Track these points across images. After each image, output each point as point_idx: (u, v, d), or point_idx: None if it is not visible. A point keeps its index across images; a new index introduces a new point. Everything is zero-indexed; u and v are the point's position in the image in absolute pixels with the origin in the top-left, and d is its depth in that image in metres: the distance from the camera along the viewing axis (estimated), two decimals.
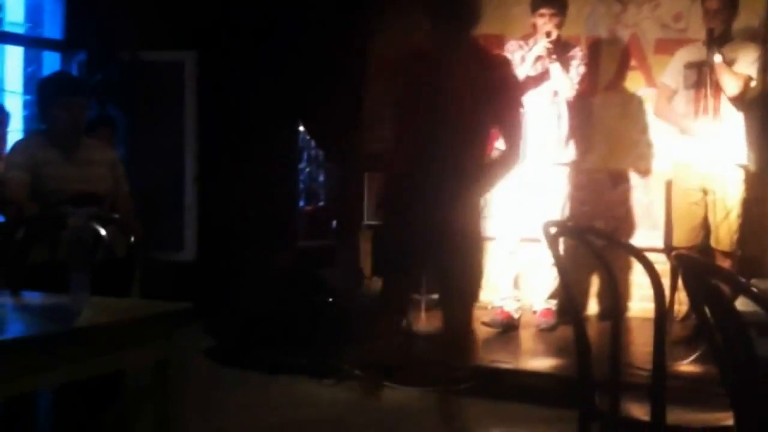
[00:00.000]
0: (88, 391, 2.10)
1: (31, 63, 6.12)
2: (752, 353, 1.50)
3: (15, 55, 5.96)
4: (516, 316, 4.50)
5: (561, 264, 2.37)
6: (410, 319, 4.22)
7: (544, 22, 4.28)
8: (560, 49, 4.31)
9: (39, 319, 1.76)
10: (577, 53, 4.39)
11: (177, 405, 1.88)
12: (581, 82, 4.37)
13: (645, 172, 4.95)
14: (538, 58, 4.29)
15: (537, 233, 4.10)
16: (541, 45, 4.27)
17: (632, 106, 4.95)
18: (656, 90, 4.56)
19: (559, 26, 4.31)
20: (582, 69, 4.36)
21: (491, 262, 4.93)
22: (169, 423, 1.86)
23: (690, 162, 4.18)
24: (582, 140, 4.70)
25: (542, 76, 4.33)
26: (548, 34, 4.25)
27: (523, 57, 4.32)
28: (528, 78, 4.29)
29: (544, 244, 4.04)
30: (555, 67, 4.29)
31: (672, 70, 4.28)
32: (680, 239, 4.21)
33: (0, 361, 1.51)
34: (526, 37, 4.46)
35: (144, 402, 2.91)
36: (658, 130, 4.82)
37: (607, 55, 5.01)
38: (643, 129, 4.94)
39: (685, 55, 4.25)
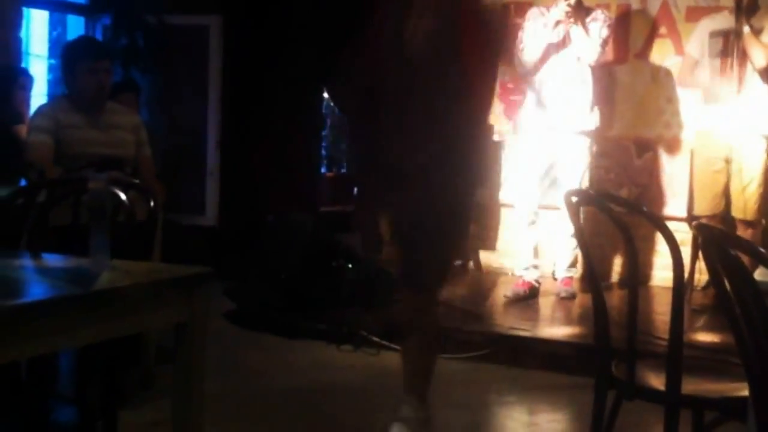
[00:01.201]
0: (110, 352, 2.14)
1: (55, 27, 6.15)
2: None
3: (40, 18, 5.98)
4: (536, 285, 4.50)
5: (581, 232, 2.36)
6: None
7: None
8: (582, 14, 4.23)
9: (59, 282, 1.78)
10: (599, 16, 4.30)
11: (197, 367, 1.90)
12: (604, 45, 4.28)
13: (670, 141, 4.92)
14: (558, 22, 4.21)
15: (557, 201, 4.11)
16: (560, 8, 4.20)
17: (661, 74, 4.92)
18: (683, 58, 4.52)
19: None
20: (605, 32, 4.27)
21: (510, 229, 4.94)
22: (189, 384, 1.89)
23: (713, 130, 4.15)
24: (606, 107, 4.65)
25: (563, 42, 4.25)
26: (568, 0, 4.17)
27: (545, 24, 4.26)
28: (549, 45, 4.22)
29: (563, 211, 4.04)
30: (575, 31, 4.21)
31: (696, 39, 4.24)
32: (702, 207, 4.20)
33: (21, 323, 1.54)
34: (549, 5, 4.38)
35: (165, 364, 2.97)
36: (683, 99, 4.79)
37: (637, 22, 4.98)
38: (671, 98, 4.92)
39: (710, 24, 4.21)
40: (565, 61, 4.27)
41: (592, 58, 4.26)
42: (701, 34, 4.20)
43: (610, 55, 4.83)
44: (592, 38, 4.23)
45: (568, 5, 4.17)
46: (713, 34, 4.12)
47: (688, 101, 4.67)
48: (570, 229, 4.11)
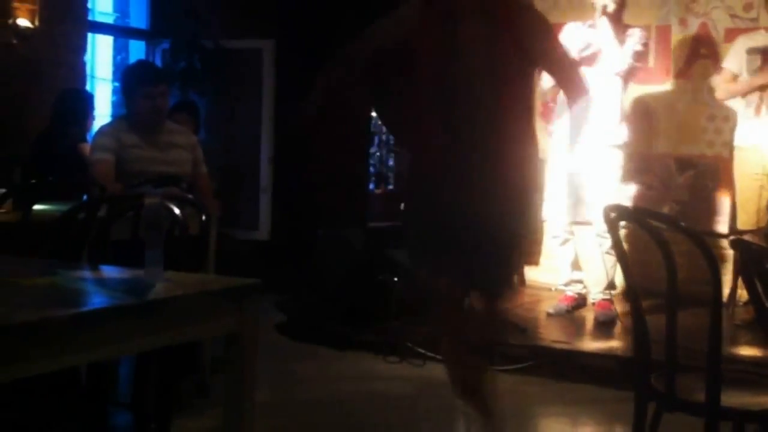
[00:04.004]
0: (167, 361, 2.24)
1: (119, 51, 6.40)
2: None
3: (105, 43, 6.25)
4: (579, 298, 4.45)
5: (620, 248, 2.37)
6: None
7: None
8: (619, 26, 4.18)
9: (116, 292, 1.87)
10: (636, 32, 4.23)
11: (248, 376, 1.95)
12: (637, 59, 4.19)
13: (712, 159, 4.94)
14: (602, 12, 4.12)
15: (588, 216, 4.08)
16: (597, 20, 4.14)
17: (701, 93, 4.94)
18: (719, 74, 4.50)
19: (619, 3, 4.17)
20: (639, 47, 4.18)
21: (546, 245, 4.92)
22: (241, 393, 1.94)
23: (754, 145, 4.15)
24: (647, 125, 4.64)
25: (596, 56, 4.17)
26: (605, 9, 4.13)
27: (581, 36, 4.18)
28: (581, 59, 4.11)
29: (597, 227, 4.01)
30: (607, 38, 4.12)
31: (734, 56, 4.27)
32: (745, 222, 4.18)
33: (80, 331, 1.62)
34: (586, 20, 4.32)
35: (220, 372, 3.07)
36: (723, 115, 4.80)
37: (677, 43, 5.01)
38: (712, 116, 4.93)
39: (747, 41, 4.24)
40: (597, 74, 4.16)
41: (619, 68, 4.15)
42: (739, 51, 4.22)
43: (650, 73, 4.84)
44: (624, 49, 4.14)
45: (606, 15, 4.11)
46: (751, 51, 4.14)
47: (729, 116, 4.69)
48: (605, 244, 4.02)
